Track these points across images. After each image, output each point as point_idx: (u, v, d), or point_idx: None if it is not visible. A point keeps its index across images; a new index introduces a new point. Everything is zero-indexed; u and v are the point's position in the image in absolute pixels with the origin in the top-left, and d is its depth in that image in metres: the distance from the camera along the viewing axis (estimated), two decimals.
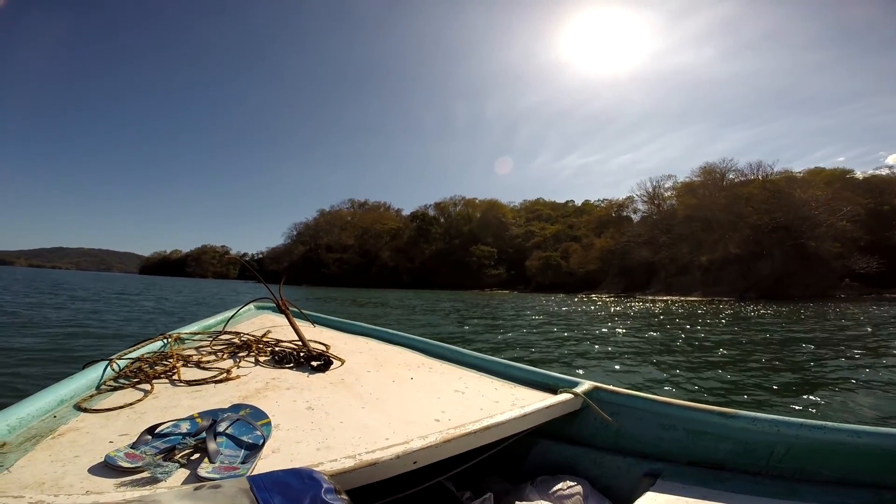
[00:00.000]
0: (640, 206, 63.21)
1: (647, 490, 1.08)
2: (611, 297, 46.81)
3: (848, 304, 27.60)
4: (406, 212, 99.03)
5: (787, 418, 1.15)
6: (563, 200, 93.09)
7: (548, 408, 1.25)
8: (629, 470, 1.24)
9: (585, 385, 1.39)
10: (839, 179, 49.71)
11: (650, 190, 60.41)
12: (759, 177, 48.32)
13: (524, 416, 1.17)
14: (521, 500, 1.10)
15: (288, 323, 1.87)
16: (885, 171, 54.94)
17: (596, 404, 1.32)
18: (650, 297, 42.93)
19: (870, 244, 39.53)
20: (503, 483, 1.30)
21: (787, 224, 38.22)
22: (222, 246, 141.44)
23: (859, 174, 54.70)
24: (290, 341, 1.71)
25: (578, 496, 1.14)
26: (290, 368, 1.48)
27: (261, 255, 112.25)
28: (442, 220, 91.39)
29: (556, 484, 1.17)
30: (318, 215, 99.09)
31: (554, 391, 1.40)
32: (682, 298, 39.31)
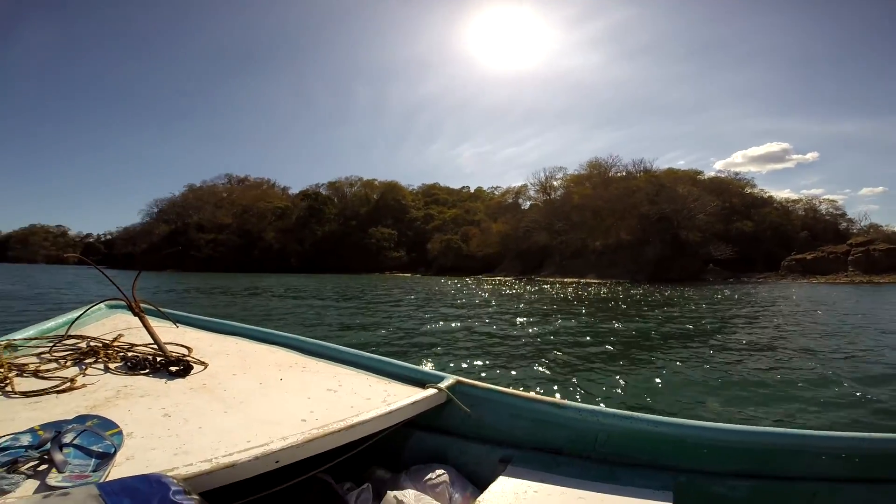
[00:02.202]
0: (533, 195, 66.94)
1: (500, 475, 1.21)
2: (510, 278, 48.92)
3: (714, 286, 32.32)
4: (295, 191, 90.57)
5: (605, 409, 1.31)
6: (457, 186, 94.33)
7: (413, 403, 1.32)
8: (487, 456, 1.36)
9: (449, 380, 1.46)
10: (692, 179, 58.45)
11: (543, 180, 64.21)
12: (640, 172, 54.34)
13: (390, 412, 1.23)
14: (395, 489, 1.18)
15: (142, 325, 1.70)
16: (723, 175, 66.54)
17: (458, 397, 1.40)
18: (549, 279, 45.50)
19: (721, 234, 47.17)
20: (384, 472, 1.36)
21: (668, 215, 43.49)
22: (58, 226, 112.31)
23: (712, 173, 65.28)
24: (145, 345, 1.59)
25: (445, 483, 1.25)
26: (146, 375, 1.38)
27: (109, 236, 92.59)
28: (336, 200, 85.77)
29: (427, 472, 1.28)
30: (187, 190, 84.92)
31: (422, 385, 1.45)
32: (579, 280, 42.45)
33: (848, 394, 4.43)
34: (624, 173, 56.49)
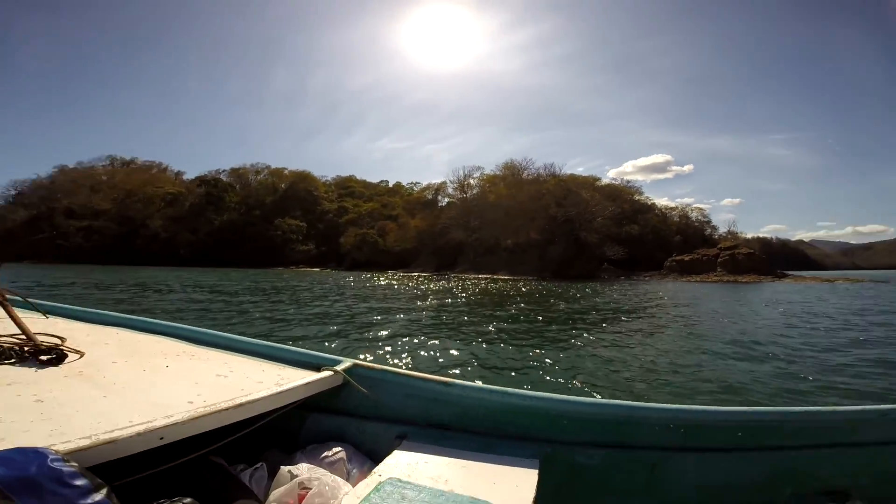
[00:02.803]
0: (451, 192, 68.25)
1: (396, 450, 1.26)
2: (427, 274, 49.44)
3: (609, 283, 35.80)
4: (190, 176, 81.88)
5: (484, 385, 1.40)
6: (376, 180, 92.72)
7: (306, 385, 1.33)
8: (385, 434, 1.40)
9: (346, 363, 1.49)
10: (591, 185, 64.11)
11: (461, 178, 65.74)
12: (546, 176, 58.09)
13: (280, 393, 1.23)
14: (290, 466, 1.18)
15: (7, 314, 1.56)
16: (616, 182, 74.04)
17: (355, 379, 1.44)
18: (463, 275, 46.73)
19: (614, 236, 52.29)
20: (279, 453, 1.37)
21: (572, 218, 47.08)
22: None
23: (607, 179, 72.10)
24: (10, 335, 1.45)
25: (342, 459, 1.29)
26: (12, 364, 1.29)
27: None
28: (238, 188, 79.20)
29: (324, 451, 1.31)
30: (57, 172, 72.39)
31: (318, 369, 1.46)
32: (491, 276, 44.23)
33: (718, 370, 5.26)
34: (535, 176, 60.10)
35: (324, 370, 1.45)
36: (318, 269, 59.24)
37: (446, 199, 69.57)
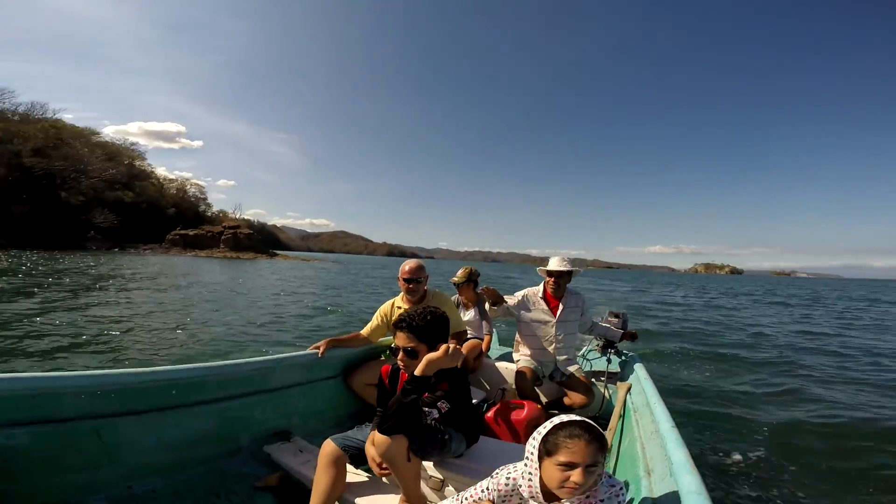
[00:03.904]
0: None
1: None
2: None
3: (101, 256, 33.37)
4: None
5: None
6: None
7: None
8: None
9: None
10: (87, 138, 54.30)
11: None
12: (24, 115, 43.89)
13: None
14: None
15: None
16: (118, 141, 65.91)
17: None
18: None
19: (104, 201, 46.97)
20: None
21: (55, 172, 38.57)
22: None
23: (104, 136, 62.16)
24: None
25: None
26: None
27: None
28: None
29: None
30: None
31: None
32: None
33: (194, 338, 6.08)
34: (8, 112, 43.67)
35: None
36: None
37: None
